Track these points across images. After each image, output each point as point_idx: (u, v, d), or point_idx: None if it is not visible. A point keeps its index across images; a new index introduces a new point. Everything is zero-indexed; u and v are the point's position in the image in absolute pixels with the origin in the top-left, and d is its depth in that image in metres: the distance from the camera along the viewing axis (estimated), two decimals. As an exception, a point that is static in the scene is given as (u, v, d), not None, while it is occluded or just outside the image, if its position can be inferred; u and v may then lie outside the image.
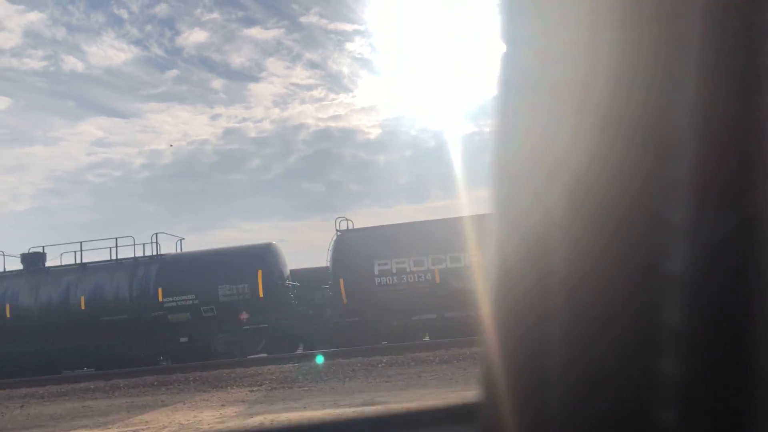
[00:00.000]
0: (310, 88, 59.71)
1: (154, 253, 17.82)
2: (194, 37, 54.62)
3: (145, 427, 8.71)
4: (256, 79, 58.85)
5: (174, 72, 55.91)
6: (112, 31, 53.41)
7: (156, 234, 18.08)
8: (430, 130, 53.50)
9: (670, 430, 0.55)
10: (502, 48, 0.67)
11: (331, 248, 17.62)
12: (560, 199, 0.60)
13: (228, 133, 55.93)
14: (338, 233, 17.60)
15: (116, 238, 18.11)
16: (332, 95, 60.93)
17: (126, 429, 8.76)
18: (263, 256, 17.25)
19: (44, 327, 16.92)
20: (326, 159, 56.38)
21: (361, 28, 54.49)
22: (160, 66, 56.25)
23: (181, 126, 55.97)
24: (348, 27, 62.52)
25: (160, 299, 16.89)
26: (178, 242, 18.89)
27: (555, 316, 0.61)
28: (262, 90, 57.92)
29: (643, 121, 0.56)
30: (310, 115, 57.38)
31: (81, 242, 18.30)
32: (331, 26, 56.32)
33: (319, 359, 13.45)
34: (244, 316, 16.64)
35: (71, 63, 52.94)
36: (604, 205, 0.58)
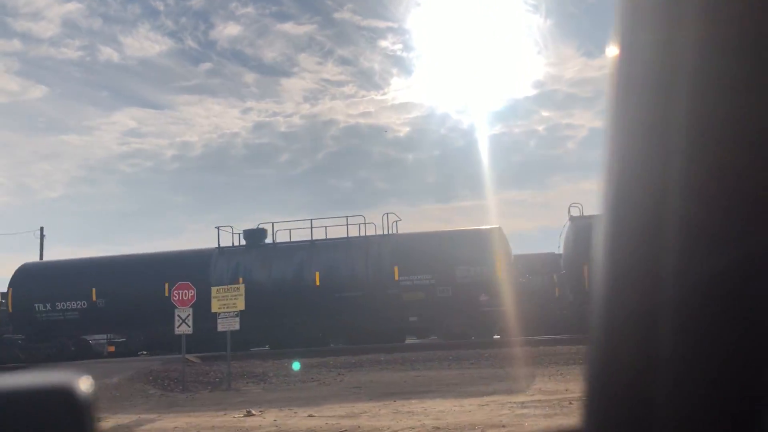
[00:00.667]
0: (340, 84, 58.73)
1: (386, 232, 17.88)
2: (228, 30, 54.52)
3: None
4: (287, 74, 58.61)
5: (207, 65, 56.04)
6: (147, 22, 53.68)
7: (386, 214, 18.17)
8: (460, 130, 53.14)
9: None
10: (615, 51, 0.68)
11: (565, 235, 17.46)
12: (675, 200, 0.60)
13: (258, 127, 55.91)
14: (571, 220, 17.43)
15: (347, 217, 18.20)
16: (363, 92, 59.91)
17: (550, 397, 8.71)
18: (498, 239, 17.14)
19: (278, 301, 17.10)
20: (354, 156, 56.13)
21: (395, 25, 53.94)
22: (194, 59, 56.48)
23: (212, 119, 56.27)
24: (381, 24, 61.69)
25: (396, 278, 16.91)
26: (394, 224, 18.87)
27: (666, 316, 0.61)
28: (294, 85, 57.64)
29: (757, 123, 0.56)
30: (340, 111, 56.55)
31: (311, 219, 18.53)
32: (364, 23, 55.66)
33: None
34: (485, 297, 16.53)
35: (107, 53, 53.29)
36: (719, 207, 0.58)
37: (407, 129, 56.46)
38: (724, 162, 0.59)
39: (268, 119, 55.42)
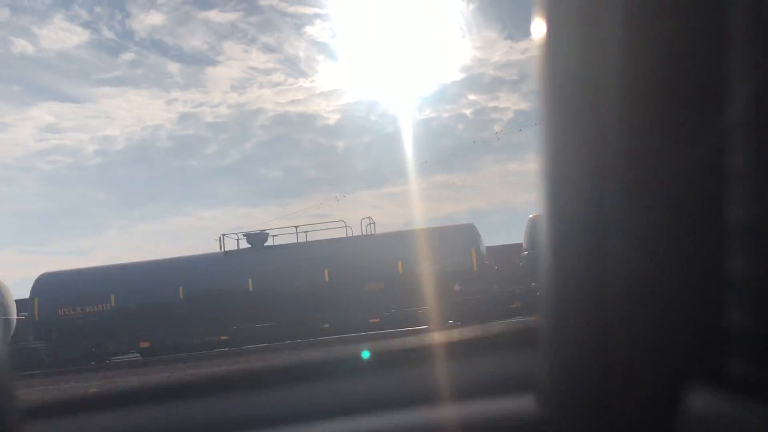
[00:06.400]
0: (268, 72, 56.98)
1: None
2: (147, 19, 51.49)
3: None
4: (213, 63, 56.35)
5: (128, 56, 53.11)
6: (60, 12, 49.94)
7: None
8: (389, 116, 52.30)
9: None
10: (540, 39, 0.64)
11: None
12: (615, 198, 0.59)
13: (183, 118, 53.16)
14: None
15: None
16: (291, 80, 57.95)
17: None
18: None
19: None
20: (284, 144, 54.59)
21: (322, 11, 52.29)
22: (113, 50, 53.25)
23: (135, 111, 53.52)
24: (308, 10, 59.52)
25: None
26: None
27: (614, 315, 0.60)
28: (220, 74, 55.35)
29: (701, 115, 0.55)
30: (269, 99, 54.96)
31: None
32: (291, 9, 54.32)
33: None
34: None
35: (21, 46, 49.77)
36: (662, 203, 0.56)
37: (337, 116, 55.20)
38: (661, 158, 0.57)
39: (193, 110, 53.27)
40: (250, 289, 19.05)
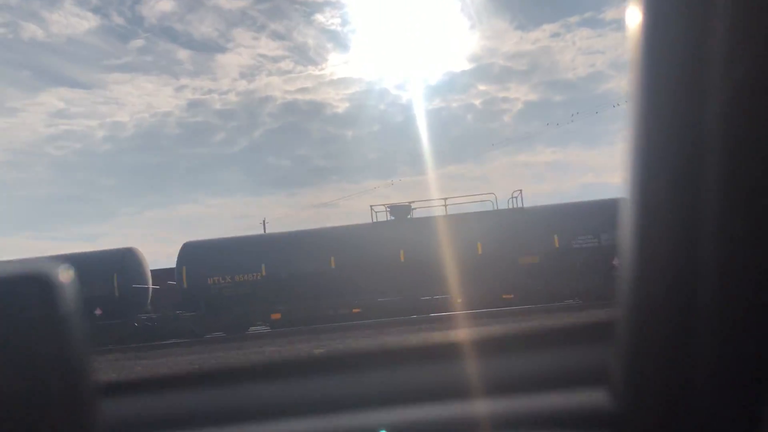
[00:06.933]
0: (277, 59, 57.99)
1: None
2: (157, 6, 52.54)
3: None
4: (222, 50, 57.00)
5: (138, 42, 53.96)
6: None
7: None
8: (398, 105, 53.28)
9: None
10: (638, 20, 0.60)
11: None
12: (711, 193, 0.56)
13: (192, 105, 54.34)
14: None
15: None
16: (300, 67, 59.00)
17: None
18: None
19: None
20: (293, 133, 55.02)
21: None
22: (123, 36, 54.01)
23: (144, 98, 54.49)
24: None
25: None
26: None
27: (702, 315, 0.58)
28: (229, 61, 56.22)
29: None
30: (278, 87, 55.70)
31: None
32: None
33: None
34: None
35: (31, 31, 50.35)
36: (760, 201, 0.54)
37: (346, 105, 55.83)
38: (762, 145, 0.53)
39: (202, 97, 53.79)
40: (402, 259, 18.61)
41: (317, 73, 59.82)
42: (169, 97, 54.53)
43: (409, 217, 19.94)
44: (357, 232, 19.26)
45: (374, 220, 19.83)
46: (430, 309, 18.66)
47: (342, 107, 55.60)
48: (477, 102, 56.22)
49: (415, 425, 0.81)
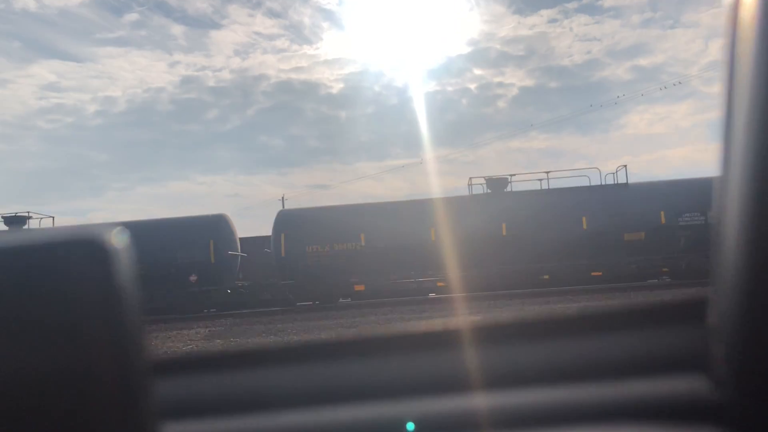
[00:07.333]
0: (272, 38, 57.78)
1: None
2: None
3: None
4: (217, 26, 57.15)
5: (133, 16, 53.59)
6: None
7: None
8: (394, 87, 53.41)
9: None
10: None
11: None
12: None
13: (185, 81, 54.31)
14: None
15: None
16: (295, 46, 58.59)
17: None
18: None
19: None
20: (286, 112, 55.11)
21: None
22: (117, 9, 53.71)
23: (137, 72, 54.48)
24: None
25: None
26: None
27: None
28: (224, 37, 56.08)
29: None
30: (272, 65, 55.51)
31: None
32: None
33: None
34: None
35: (23, 1, 49.87)
36: None
37: (341, 85, 55.73)
38: None
39: (196, 73, 53.83)
40: (503, 233, 18.20)
41: (312, 52, 59.57)
42: (163, 73, 54.85)
43: (506, 190, 19.50)
44: (457, 204, 18.84)
45: (471, 193, 19.41)
46: (520, 284, 18.33)
47: (336, 88, 55.80)
48: (472, 86, 55.94)
49: (496, 411, 0.73)
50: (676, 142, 53.12)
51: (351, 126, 54.00)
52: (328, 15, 57.12)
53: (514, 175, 19.69)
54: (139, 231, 18.12)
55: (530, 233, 18.10)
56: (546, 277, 18.41)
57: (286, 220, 19.14)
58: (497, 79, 55.80)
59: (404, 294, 18.49)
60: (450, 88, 55.77)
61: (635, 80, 52.39)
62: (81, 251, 0.50)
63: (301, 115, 56.07)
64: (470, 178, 19.60)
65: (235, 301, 19.16)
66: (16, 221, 20.46)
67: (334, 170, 54.31)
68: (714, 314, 0.62)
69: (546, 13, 58.52)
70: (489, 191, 19.40)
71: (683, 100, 53.42)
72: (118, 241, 0.52)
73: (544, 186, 19.40)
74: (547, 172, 19.53)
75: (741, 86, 0.56)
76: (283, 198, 31.60)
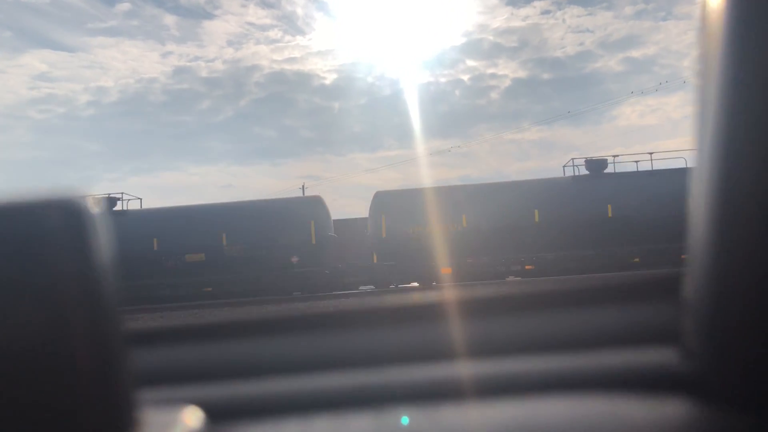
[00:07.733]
0: (265, 28, 57.24)
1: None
2: None
3: None
4: (210, 17, 56.96)
5: (125, 6, 53.13)
6: None
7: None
8: (387, 78, 52.23)
9: None
10: None
11: None
12: None
13: (178, 72, 53.95)
14: None
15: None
16: (288, 37, 58.11)
17: None
18: None
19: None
20: (279, 103, 54.52)
21: None
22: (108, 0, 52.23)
23: (129, 63, 53.93)
24: None
25: None
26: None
27: None
28: (217, 28, 55.62)
29: None
30: (265, 56, 54.89)
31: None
32: None
33: None
34: None
35: None
36: None
37: (334, 76, 55.12)
38: None
39: (188, 64, 53.52)
40: (609, 215, 17.92)
41: (305, 43, 59.33)
42: (155, 63, 54.66)
43: (605, 171, 19.19)
44: (557, 186, 18.61)
45: (574, 174, 19.15)
46: (605, 268, 17.95)
47: (330, 78, 55.30)
48: (465, 78, 55.35)
49: (483, 378, 0.76)
50: (668, 133, 51.97)
51: (344, 117, 54.27)
52: (321, 6, 57.41)
53: (617, 156, 19.35)
54: (241, 212, 18.35)
55: (633, 215, 17.79)
56: (636, 259, 18.10)
57: (386, 202, 19.12)
58: (490, 71, 55.73)
59: (488, 277, 18.33)
60: (443, 80, 55.90)
61: (627, 72, 51.36)
62: (57, 214, 0.50)
63: (294, 106, 56.31)
64: (572, 159, 19.35)
65: (337, 282, 19.25)
66: (107, 203, 20.82)
67: (327, 161, 54.34)
68: (687, 290, 0.65)
69: (539, 5, 57.95)
70: (587, 173, 19.13)
71: (675, 92, 52.18)
72: (95, 207, 0.53)
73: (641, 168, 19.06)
74: (650, 153, 19.15)
75: (710, 82, 0.58)
76: (303, 186, 31.53)
